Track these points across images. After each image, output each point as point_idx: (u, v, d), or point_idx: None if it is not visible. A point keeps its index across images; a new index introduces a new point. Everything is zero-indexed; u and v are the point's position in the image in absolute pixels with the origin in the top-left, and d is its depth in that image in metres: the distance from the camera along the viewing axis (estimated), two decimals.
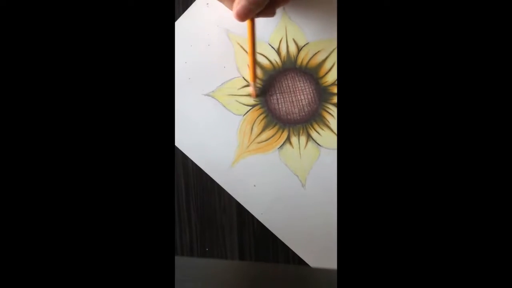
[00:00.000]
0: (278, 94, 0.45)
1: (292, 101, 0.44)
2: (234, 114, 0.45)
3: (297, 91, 0.44)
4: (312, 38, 0.44)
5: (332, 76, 0.44)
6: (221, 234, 0.46)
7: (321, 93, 0.44)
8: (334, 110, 0.44)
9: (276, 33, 0.44)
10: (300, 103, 0.44)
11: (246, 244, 0.46)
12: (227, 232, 0.46)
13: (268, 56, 0.45)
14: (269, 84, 0.45)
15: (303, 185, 0.44)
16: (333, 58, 0.44)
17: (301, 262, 0.45)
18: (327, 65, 0.44)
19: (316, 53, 0.44)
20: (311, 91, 0.44)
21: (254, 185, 0.45)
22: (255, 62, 0.43)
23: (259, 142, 0.45)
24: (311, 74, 0.44)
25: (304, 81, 0.44)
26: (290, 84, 0.44)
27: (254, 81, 0.43)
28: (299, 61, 0.44)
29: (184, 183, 0.46)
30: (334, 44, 0.44)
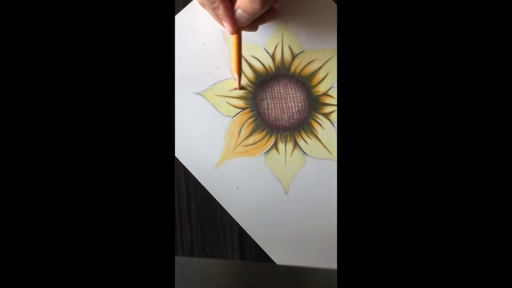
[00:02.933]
0: (269, 99, 0.45)
1: (282, 108, 0.45)
2: (223, 115, 0.45)
3: (288, 98, 0.45)
4: (307, 47, 0.44)
5: (324, 86, 0.44)
6: (222, 235, 0.45)
7: (312, 102, 0.44)
8: (323, 120, 0.44)
9: (272, 38, 0.44)
10: (290, 110, 0.45)
11: (247, 245, 0.45)
12: (228, 232, 0.45)
13: (262, 60, 0.45)
14: (261, 88, 0.45)
15: (285, 192, 0.44)
16: (327, 68, 0.44)
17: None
18: (321, 75, 0.44)
19: (310, 62, 0.44)
20: (302, 99, 0.45)
21: (237, 188, 0.45)
22: (240, 73, 0.43)
23: (245, 145, 0.45)
24: (304, 82, 0.44)
25: (296, 89, 0.45)
26: (282, 91, 0.45)
27: (239, 73, 0.43)
28: (292, 68, 0.44)
29: (184, 183, 0.45)
30: (329, 54, 0.44)
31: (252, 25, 0.40)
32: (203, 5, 0.39)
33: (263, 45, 0.44)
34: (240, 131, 0.45)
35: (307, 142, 0.44)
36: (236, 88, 0.44)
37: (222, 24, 0.39)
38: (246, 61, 0.45)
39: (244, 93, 0.45)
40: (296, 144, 0.44)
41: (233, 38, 0.41)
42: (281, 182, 0.44)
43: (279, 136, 0.45)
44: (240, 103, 0.45)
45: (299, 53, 0.44)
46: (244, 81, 0.45)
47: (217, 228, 0.45)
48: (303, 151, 0.44)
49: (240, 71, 0.43)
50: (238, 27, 0.39)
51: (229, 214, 0.45)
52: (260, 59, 0.44)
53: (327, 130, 0.44)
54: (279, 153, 0.44)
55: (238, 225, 0.45)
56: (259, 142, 0.45)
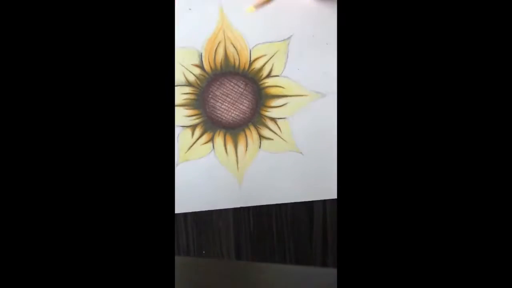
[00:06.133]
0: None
1: (231, 105, 0.44)
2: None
3: (237, 95, 0.44)
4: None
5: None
6: (217, 236, 0.46)
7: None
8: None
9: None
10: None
11: (243, 245, 0.46)
12: (223, 233, 0.45)
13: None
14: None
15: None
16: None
17: (298, 262, 0.45)
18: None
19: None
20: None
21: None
22: None
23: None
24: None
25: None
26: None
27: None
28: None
29: None
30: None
31: None
32: None
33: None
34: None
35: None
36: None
37: None
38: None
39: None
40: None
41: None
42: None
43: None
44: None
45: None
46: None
47: (213, 230, 0.45)
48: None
49: None
50: None
51: (225, 215, 0.45)
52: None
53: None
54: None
55: (234, 226, 0.45)
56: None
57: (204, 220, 0.45)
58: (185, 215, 0.45)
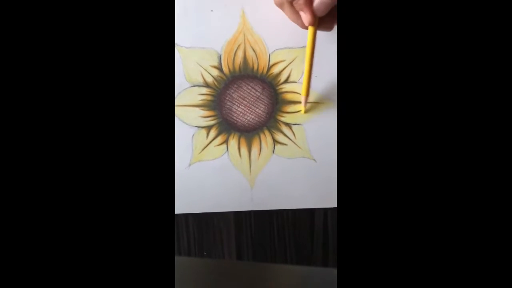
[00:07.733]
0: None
1: (248, 108, 0.44)
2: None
3: (253, 99, 0.44)
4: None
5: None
6: (218, 237, 0.45)
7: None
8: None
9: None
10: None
11: (244, 246, 0.46)
12: (225, 234, 0.45)
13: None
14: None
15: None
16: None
17: (298, 262, 0.45)
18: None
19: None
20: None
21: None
22: (311, 74, 0.42)
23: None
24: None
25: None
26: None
27: (306, 95, 0.42)
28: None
29: None
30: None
31: (329, 24, 0.40)
32: (281, 4, 0.39)
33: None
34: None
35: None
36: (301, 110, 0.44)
37: (298, 21, 0.39)
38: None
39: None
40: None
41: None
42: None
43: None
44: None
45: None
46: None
47: (214, 231, 0.45)
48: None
49: (308, 87, 0.42)
50: (315, 18, 0.38)
51: (226, 216, 0.45)
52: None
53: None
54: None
55: (235, 226, 0.45)
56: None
57: (205, 220, 0.45)
58: (186, 215, 0.45)
